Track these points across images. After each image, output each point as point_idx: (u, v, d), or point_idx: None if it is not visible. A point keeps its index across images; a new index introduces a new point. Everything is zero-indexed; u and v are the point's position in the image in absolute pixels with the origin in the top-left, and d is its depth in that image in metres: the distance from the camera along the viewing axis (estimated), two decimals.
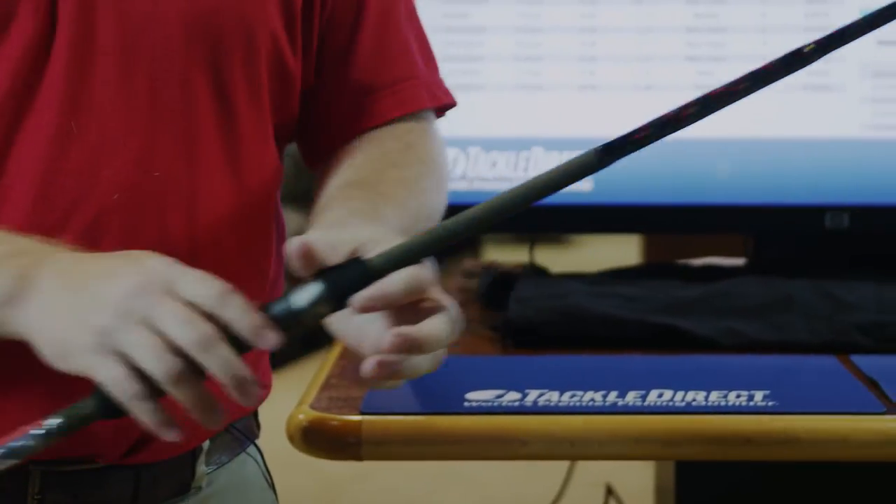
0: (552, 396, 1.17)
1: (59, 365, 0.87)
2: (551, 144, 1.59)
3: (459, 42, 1.60)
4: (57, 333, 0.86)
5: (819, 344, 1.38)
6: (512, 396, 1.17)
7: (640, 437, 1.12)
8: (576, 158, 0.86)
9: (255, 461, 1.19)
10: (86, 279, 0.86)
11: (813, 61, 0.87)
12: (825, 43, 0.87)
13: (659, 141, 0.86)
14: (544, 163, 1.58)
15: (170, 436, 0.85)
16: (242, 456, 1.17)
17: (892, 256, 1.58)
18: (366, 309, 0.86)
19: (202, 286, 0.84)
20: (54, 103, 0.99)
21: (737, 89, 0.86)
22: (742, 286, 1.48)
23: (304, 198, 1.23)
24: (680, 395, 1.17)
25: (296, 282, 0.88)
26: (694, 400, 1.17)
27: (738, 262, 1.67)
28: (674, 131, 0.86)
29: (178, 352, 0.83)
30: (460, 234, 0.87)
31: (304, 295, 0.86)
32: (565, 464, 1.92)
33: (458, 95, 1.24)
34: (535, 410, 1.14)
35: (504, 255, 1.86)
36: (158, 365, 0.82)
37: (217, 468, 1.13)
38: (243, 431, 1.16)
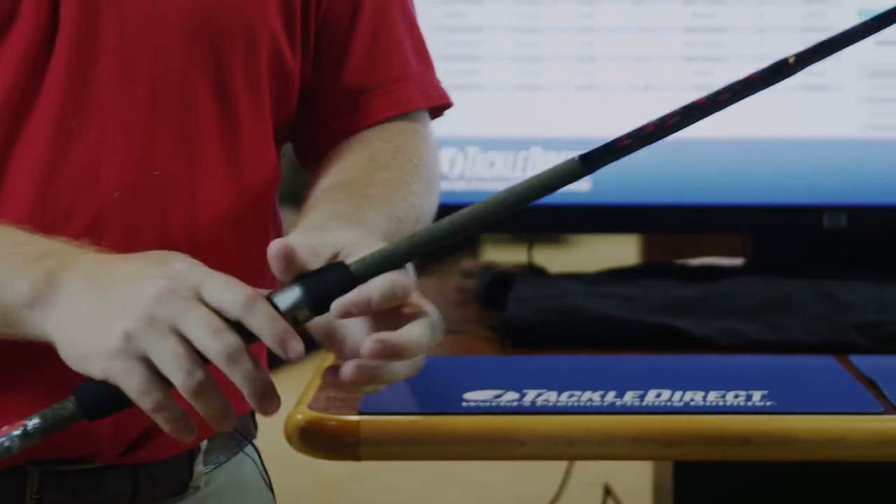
0: (550, 396, 1.17)
1: (78, 366, 0.86)
2: (550, 144, 1.59)
3: (458, 42, 1.60)
4: (81, 335, 0.86)
5: (817, 344, 1.38)
6: (510, 396, 1.17)
7: (639, 437, 1.12)
8: (558, 166, 0.87)
9: (253, 461, 1.19)
10: (112, 281, 0.86)
11: (796, 73, 0.88)
12: (807, 57, 0.87)
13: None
14: (543, 163, 1.58)
15: (186, 438, 0.86)
16: (240, 456, 1.17)
17: (891, 256, 1.58)
18: (345, 314, 0.86)
19: (229, 292, 0.84)
20: (55, 102, 0.99)
21: (720, 99, 0.87)
22: (740, 286, 1.48)
23: (303, 198, 1.23)
24: (678, 395, 1.17)
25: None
26: (692, 400, 1.17)
27: (737, 262, 1.67)
28: (657, 140, 0.87)
29: (202, 361, 0.83)
30: (442, 239, 0.87)
31: (284, 299, 0.86)
32: (563, 464, 1.92)
33: (456, 95, 1.24)
34: (534, 410, 1.14)
35: (502, 254, 1.86)
36: (182, 375, 0.83)
37: (215, 468, 1.13)
38: (241, 431, 1.16)
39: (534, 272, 1.63)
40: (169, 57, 1.02)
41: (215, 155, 1.05)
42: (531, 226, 1.62)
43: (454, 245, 0.90)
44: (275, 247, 0.86)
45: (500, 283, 1.56)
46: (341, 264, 0.87)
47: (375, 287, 0.86)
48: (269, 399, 0.85)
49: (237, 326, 0.84)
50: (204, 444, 1.11)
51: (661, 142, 0.87)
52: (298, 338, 0.84)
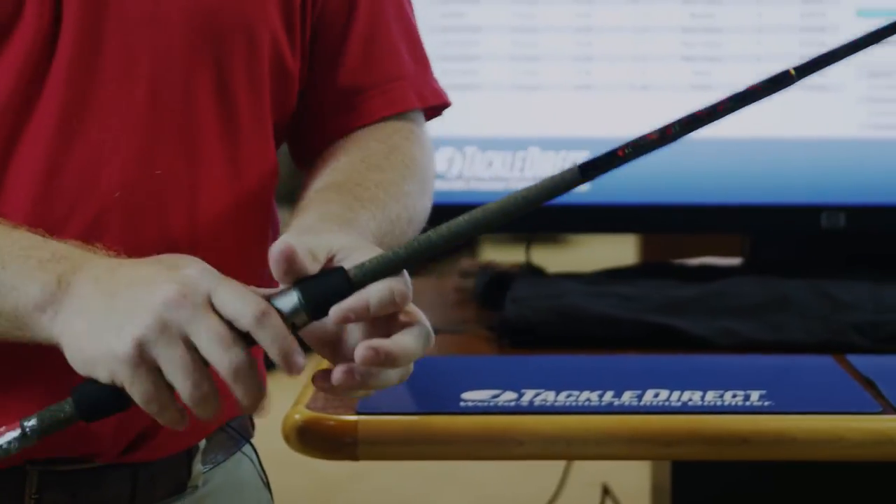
0: (548, 396, 1.17)
1: (83, 370, 0.86)
2: (548, 144, 1.59)
3: (456, 42, 1.60)
4: (89, 339, 0.86)
5: (815, 344, 1.38)
6: (508, 396, 1.17)
7: (637, 437, 1.12)
8: (557, 175, 0.87)
9: (251, 460, 1.19)
10: (123, 285, 0.86)
11: (794, 83, 0.89)
12: (808, 68, 0.88)
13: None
14: (540, 162, 1.58)
15: (179, 428, 0.87)
16: (238, 455, 1.17)
17: (889, 256, 1.58)
18: (343, 320, 0.86)
19: (242, 303, 0.84)
20: (57, 102, 0.99)
21: (720, 109, 0.87)
22: (738, 286, 1.48)
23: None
24: (676, 394, 1.17)
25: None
26: (690, 400, 1.17)
27: (735, 261, 1.67)
28: (657, 149, 0.88)
29: (209, 372, 0.84)
30: (440, 246, 0.87)
31: (283, 305, 0.86)
32: (561, 464, 1.92)
33: (454, 95, 1.24)
34: (532, 410, 1.14)
35: (501, 254, 1.87)
36: (189, 386, 0.84)
37: (213, 467, 1.13)
38: (238, 430, 1.17)
39: (532, 272, 1.63)
40: (170, 57, 1.02)
41: (216, 154, 1.05)
42: (529, 225, 1.62)
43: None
44: (276, 249, 0.86)
45: (498, 282, 1.56)
46: (339, 269, 0.87)
47: (374, 293, 0.86)
48: (261, 409, 0.87)
49: (244, 335, 0.84)
50: (202, 443, 1.11)
51: None
52: (302, 352, 0.85)
